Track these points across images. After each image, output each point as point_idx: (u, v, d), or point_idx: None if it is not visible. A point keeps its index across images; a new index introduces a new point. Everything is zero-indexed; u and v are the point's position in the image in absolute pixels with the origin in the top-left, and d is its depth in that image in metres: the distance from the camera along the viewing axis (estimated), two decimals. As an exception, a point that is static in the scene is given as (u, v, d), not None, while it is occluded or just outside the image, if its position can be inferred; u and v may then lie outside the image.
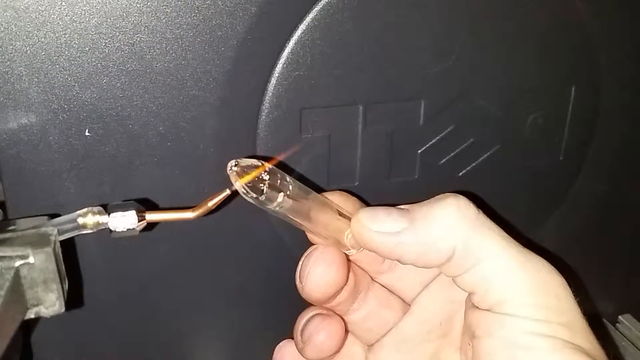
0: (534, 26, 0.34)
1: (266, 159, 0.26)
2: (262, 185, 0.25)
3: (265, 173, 0.25)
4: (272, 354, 0.35)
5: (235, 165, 0.25)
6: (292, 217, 0.27)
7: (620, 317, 0.46)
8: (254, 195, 0.25)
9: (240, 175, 0.25)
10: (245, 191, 0.25)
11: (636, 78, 0.38)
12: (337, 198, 0.30)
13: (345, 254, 0.30)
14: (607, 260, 0.44)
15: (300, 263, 0.30)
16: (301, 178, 0.33)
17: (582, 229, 0.41)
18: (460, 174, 0.36)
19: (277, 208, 0.26)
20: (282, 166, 0.32)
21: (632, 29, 0.37)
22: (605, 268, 0.44)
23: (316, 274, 0.29)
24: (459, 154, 0.36)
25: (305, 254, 0.30)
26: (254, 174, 0.25)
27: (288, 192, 0.26)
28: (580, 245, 0.42)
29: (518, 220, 0.36)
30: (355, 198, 0.31)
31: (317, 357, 0.31)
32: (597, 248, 0.43)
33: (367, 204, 0.32)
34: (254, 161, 0.25)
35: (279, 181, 0.26)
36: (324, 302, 0.30)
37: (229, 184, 0.26)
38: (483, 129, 0.36)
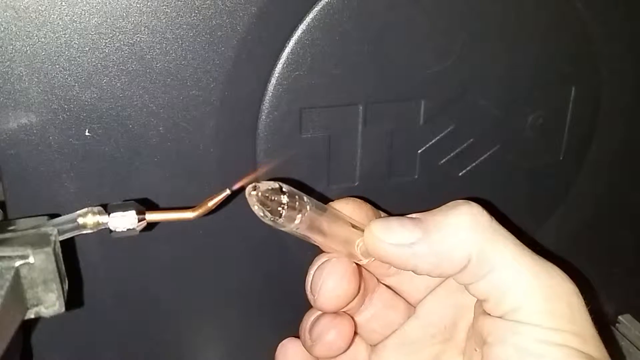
0: (534, 26, 0.34)
1: (284, 180, 0.26)
2: (281, 208, 0.25)
3: (285, 196, 0.25)
4: (272, 353, 0.35)
5: (254, 189, 0.25)
6: (305, 234, 0.27)
7: (620, 318, 0.46)
8: (273, 218, 0.25)
9: (259, 199, 0.25)
10: (263, 214, 0.25)
11: (636, 78, 0.38)
12: (349, 206, 0.30)
13: (356, 263, 0.30)
14: (607, 260, 0.44)
15: (312, 274, 0.30)
16: (301, 178, 0.33)
17: (582, 229, 0.41)
18: (460, 174, 0.36)
19: (295, 229, 0.26)
20: (283, 166, 0.32)
21: (632, 29, 0.37)
22: (605, 268, 0.44)
23: (328, 287, 0.29)
24: (459, 154, 0.36)
25: (316, 266, 0.30)
26: (273, 199, 0.25)
27: (306, 213, 0.26)
28: (580, 245, 0.42)
29: (518, 220, 0.36)
30: (367, 205, 0.31)
31: (326, 355, 0.31)
32: (596, 248, 0.43)
33: (376, 206, 0.32)
34: (273, 184, 0.25)
35: (297, 203, 0.25)
36: (336, 312, 0.30)
37: (229, 184, 0.26)
38: (483, 129, 0.36)
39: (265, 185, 0.25)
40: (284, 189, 0.25)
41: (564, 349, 0.25)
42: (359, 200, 0.31)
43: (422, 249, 0.27)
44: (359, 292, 0.30)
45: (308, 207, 0.26)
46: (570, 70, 0.36)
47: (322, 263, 0.30)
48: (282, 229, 0.26)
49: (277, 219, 0.25)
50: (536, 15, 0.34)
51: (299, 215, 0.26)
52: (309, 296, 0.30)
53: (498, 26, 0.34)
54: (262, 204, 0.25)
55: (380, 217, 0.31)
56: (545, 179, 0.39)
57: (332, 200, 0.31)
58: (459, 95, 0.34)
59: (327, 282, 0.29)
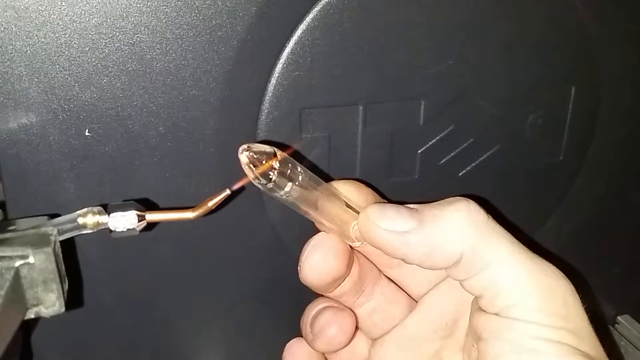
0: (533, 26, 0.34)
1: (279, 145, 0.26)
2: (272, 173, 0.25)
3: (276, 161, 0.25)
4: (272, 353, 0.35)
5: (247, 149, 0.24)
6: (298, 205, 0.27)
7: (619, 318, 0.46)
8: (263, 182, 0.25)
9: (250, 160, 0.24)
10: (254, 176, 0.25)
11: (636, 78, 0.38)
12: (349, 187, 0.30)
13: (349, 245, 0.30)
14: (606, 261, 0.44)
15: (303, 248, 0.30)
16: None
17: (582, 229, 0.41)
18: (460, 174, 0.36)
19: (285, 196, 0.26)
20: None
21: (632, 29, 0.37)
22: (604, 268, 0.44)
23: (313, 259, 0.29)
24: (459, 154, 0.36)
25: (309, 240, 0.30)
26: (265, 162, 0.24)
27: (297, 182, 0.26)
28: (579, 245, 0.42)
29: (518, 220, 0.36)
30: (368, 189, 0.31)
31: (327, 349, 0.31)
32: (596, 248, 0.43)
33: (379, 193, 0.32)
34: (266, 147, 0.25)
35: (289, 170, 0.25)
36: (322, 289, 0.30)
37: (229, 184, 0.26)
38: (483, 129, 0.36)
39: (258, 147, 0.25)
40: (277, 154, 0.25)
41: (559, 346, 0.25)
42: (359, 182, 0.31)
43: (415, 239, 0.27)
44: (347, 273, 0.30)
45: (300, 177, 0.26)
46: (570, 70, 0.36)
47: (313, 238, 0.30)
48: (273, 195, 0.26)
49: (267, 183, 0.25)
50: (536, 16, 0.34)
51: (290, 184, 0.25)
52: (298, 268, 0.30)
53: (498, 26, 0.34)
54: (254, 165, 0.24)
55: (379, 202, 0.31)
56: (545, 179, 0.39)
57: (334, 180, 0.31)
58: (459, 95, 0.34)
59: (313, 254, 0.29)
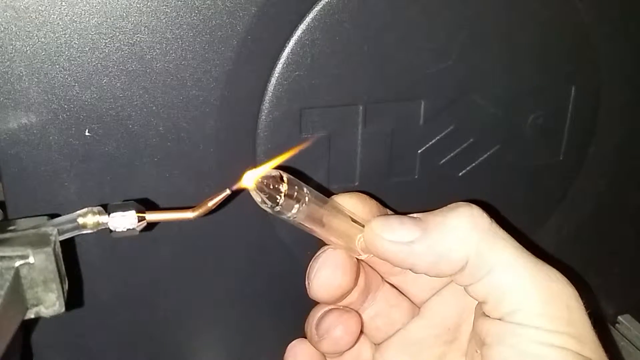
0: (534, 26, 0.34)
1: (285, 168, 0.26)
2: (279, 195, 0.25)
3: (283, 184, 0.25)
4: (272, 353, 0.35)
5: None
6: (304, 225, 0.27)
7: (619, 318, 0.46)
8: (270, 205, 0.25)
9: (257, 184, 0.25)
10: (261, 200, 0.25)
11: (636, 78, 0.38)
12: (354, 201, 0.30)
13: (355, 257, 0.30)
14: (607, 261, 0.44)
15: (311, 263, 0.30)
16: (301, 178, 0.33)
17: (582, 229, 0.41)
18: (460, 174, 0.36)
19: (292, 218, 0.26)
20: (282, 166, 0.32)
21: (632, 29, 0.37)
22: (605, 268, 0.44)
23: (322, 276, 0.29)
24: (459, 154, 0.36)
25: (316, 255, 0.30)
26: (272, 186, 0.25)
27: (304, 203, 0.26)
28: (579, 245, 0.42)
29: (518, 220, 0.36)
30: (372, 200, 0.31)
31: (333, 350, 0.31)
32: (596, 248, 0.43)
33: (383, 204, 0.32)
34: (273, 171, 0.25)
35: (296, 192, 0.26)
36: (330, 302, 0.31)
37: (229, 184, 0.26)
38: (483, 129, 0.36)
39: (265, 171, 0.25)
40: (283, 177, 0.25)
41: (562, 351, 0.25)
42: (363, 195, 0.31)
43: (421, 248, 0.27)
44: (355, 285, 0.30)
45: (307, 198, 0.26)
46: (570, 70, 0.36)
47: (320, 252, 0.30)
48: (280, 217, 0.26)
49: (274, 207, 0.25)
50: (536, 15, 0.34)
51: (297, 205, 0.26)
52: (306, 284, 0.30)
53: (498, 26, 0.34)
54: (261, 190, 0.25)
55: (385, 213, 0.31)
56: (545, 179, 0.39)
57: (336, 194, 0.31)
58: (459, 95, 0.34)
59: (321, 271, 0.29)
